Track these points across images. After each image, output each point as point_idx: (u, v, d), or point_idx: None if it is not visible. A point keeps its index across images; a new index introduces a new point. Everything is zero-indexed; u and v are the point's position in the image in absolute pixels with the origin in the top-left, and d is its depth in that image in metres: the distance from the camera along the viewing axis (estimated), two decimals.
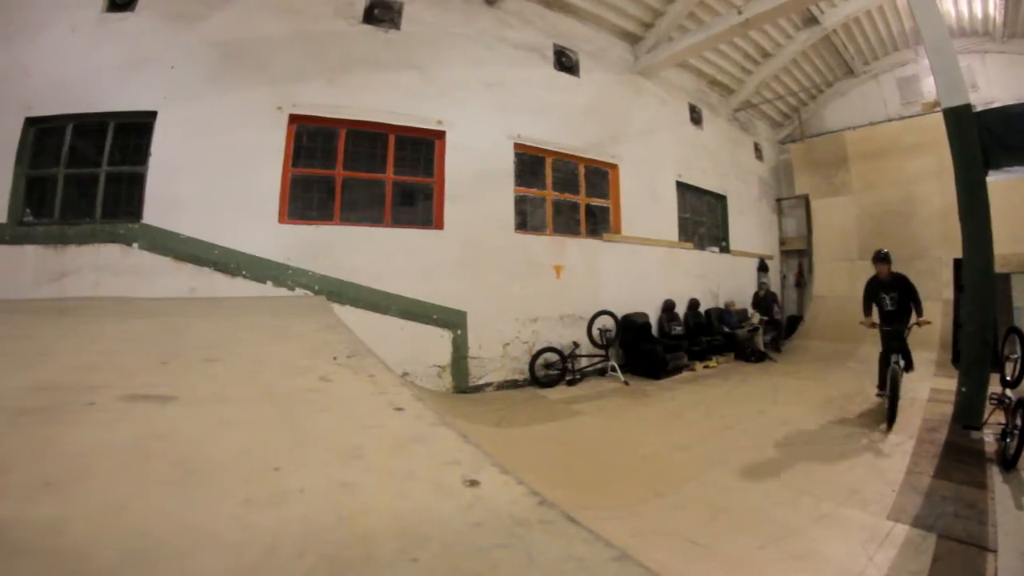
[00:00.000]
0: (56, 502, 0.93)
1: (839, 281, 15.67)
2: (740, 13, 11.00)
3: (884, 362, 8.35)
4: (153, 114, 8.49)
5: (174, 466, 1.08)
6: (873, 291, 8.41)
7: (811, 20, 14.23)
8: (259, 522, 0.90)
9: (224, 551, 0.82)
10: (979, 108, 8.15)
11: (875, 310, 8.47)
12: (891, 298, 8.21)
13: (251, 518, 0.91)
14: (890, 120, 16.09)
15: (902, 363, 7.96)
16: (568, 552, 0.84)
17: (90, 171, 8.62)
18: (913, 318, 8.00)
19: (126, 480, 1.02)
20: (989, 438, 6.63)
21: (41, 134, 8.66)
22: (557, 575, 0.77)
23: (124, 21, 8.76)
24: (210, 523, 0.88)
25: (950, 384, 8.66)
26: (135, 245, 8.20)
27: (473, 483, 1.04)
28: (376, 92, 9.40)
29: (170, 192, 8.30)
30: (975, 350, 7.41)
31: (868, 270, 11.83)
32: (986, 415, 6.98)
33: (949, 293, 13.56)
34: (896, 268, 8.09)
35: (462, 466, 1.12)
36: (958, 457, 6.13)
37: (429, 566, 0.79)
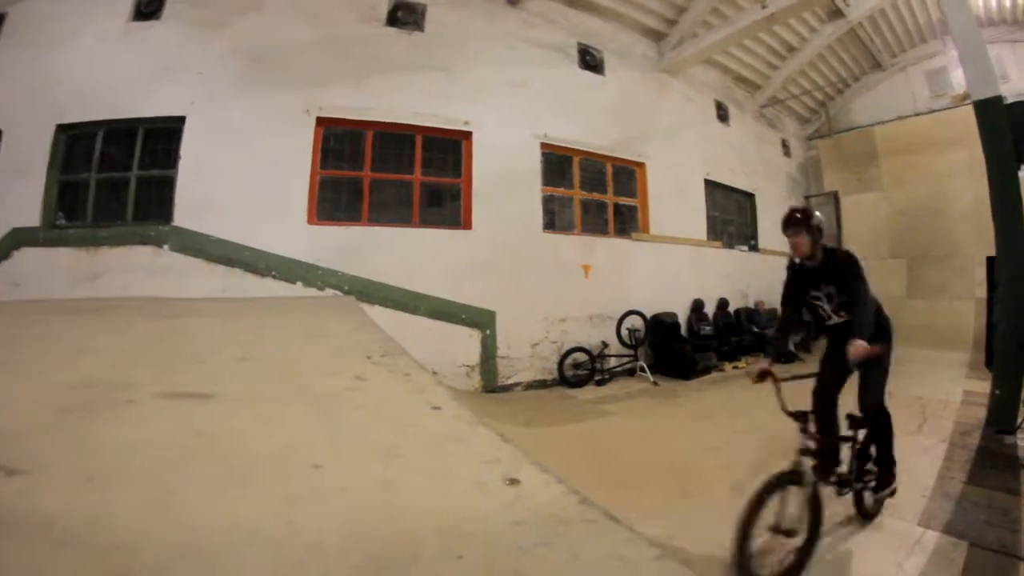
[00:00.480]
0: (100, 497, 0.93)
1: (870, 280, 15.36)
2: (764, 7, 10.88)
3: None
4: (181, 119, 8.62)
5: (215, 462, 1.08)
6: (797, 288, 4.67)
7: (836, 13, 13.96)
8: (302, 519, 0.90)
9: (269, 549, 0.82)
10: (1011, 100, 7.95)
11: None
12: (828, 296, 4.57)
13: (294, 515, 0.91)
14: (919, 114, 15.69)
15: (827, 463, 4.23)
16: (610, 551, 0.83)
17: (121, 175, 8.76)
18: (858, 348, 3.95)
19: (168, 476, 1.02)
20: (1023, 443, 6.49)
21: (72, 140, 8.83)
22: (600, 573, 0.76)
23: (150, 29, 8.90)
24: (254, 520, 0.88)
25: (983, 387, 8.46)
26: (166, 247, 8.33)
27: (513, 482, 1.04)
28: (402, 94, 9.44)
29: (200, 195, 8.42)
30: (1010, 351, 7.24)
31: (899, 269, 11.60)
32: (1020, 419, 6.82)
33: (983, 292, 13.10)
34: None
35: (501, 465, 1.11)
36: (991, 462, 5.96)
37: (474, 564, 0.79)
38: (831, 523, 4.27)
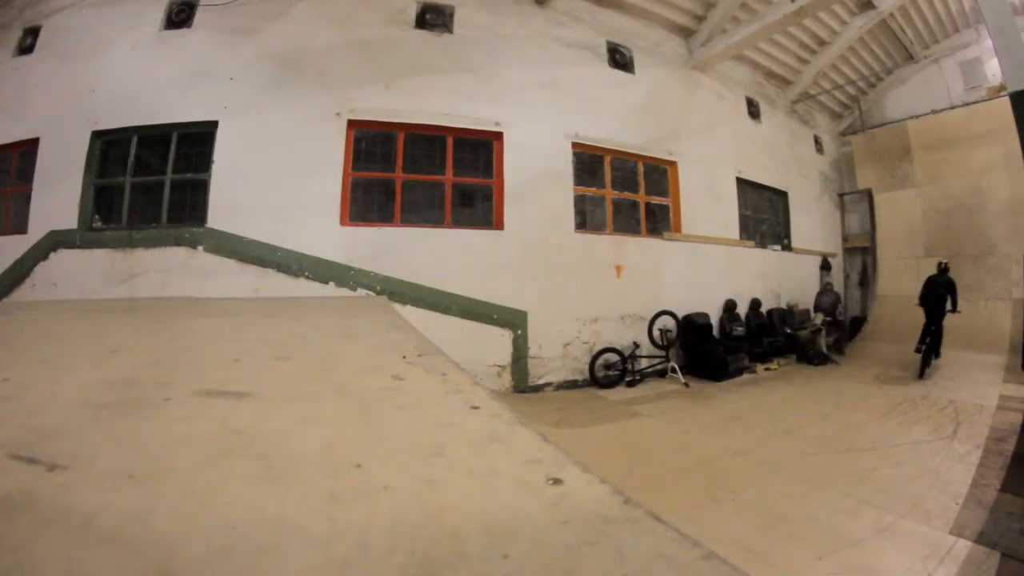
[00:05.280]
0: (140, 494, 0.92)
1: (904, 280, 15.05)
2: (793, 1, 10.78)
3: None
4: (214, 124, 8.77)
5: (256, 461, 1.07)
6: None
7: (866, 4, 13.74)
8: (346, 518, 0.88)
9: (313, 546, 0.80)
10: None
11: None
12: None
13: (338, 514, 0.89)
14: (954, 107, 15.27)
15: None
16: (657, 550, 0.79)
17: (155, 179, 8.92)
18: None
19: (208, 473, 1.01)
20: None
21: (107, 146, 9.03)
22: (648, 572, 0.73)
23: (182, 37, 9.10)
24: (297, 517, 0.87)
25: (1020, 391, 8.33)
26: (200, 248, 8.47)
27: (556, 481, 1.01)
28: (433, 95, 9.50)
29: (234, 197, 8.56)
30: None
31: (934, 269, 11.41)
32: None
33: (1021, 292, 12.88)
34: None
35: (544, 464, 1.08)
36: None
37: (520, 563, 0.76)
38: None
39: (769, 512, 4.83)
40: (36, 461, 1.01)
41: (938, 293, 10.92)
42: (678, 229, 12.08)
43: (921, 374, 10.32)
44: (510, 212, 9.75)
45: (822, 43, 14.81)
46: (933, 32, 15.76)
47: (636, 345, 10.70)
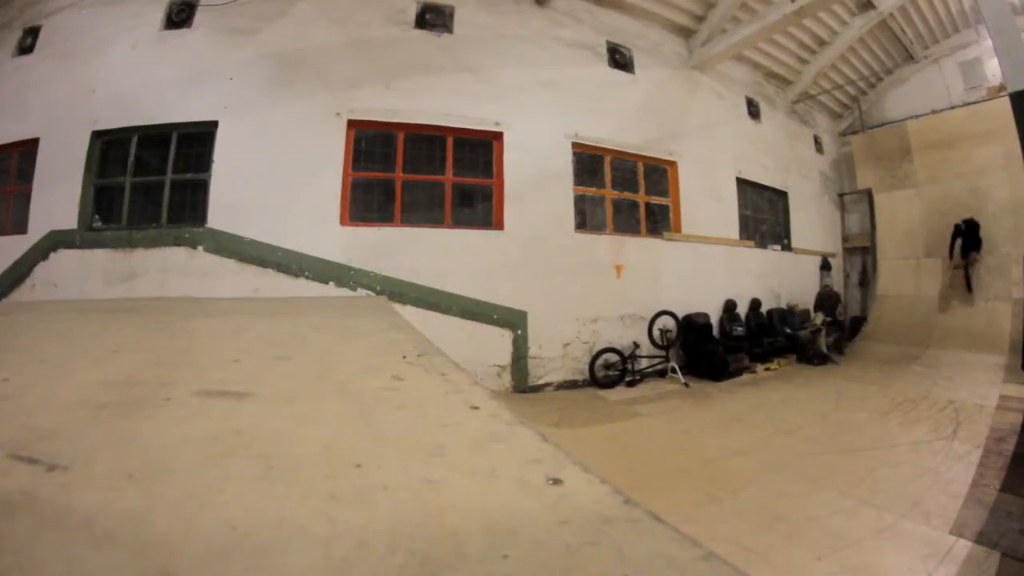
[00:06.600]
0: (140, 494, 0.92)
1: (904, 280, 15.08)
2: (793, 1, 10.76)
3: None
4: (214, 124, 8.77)
5: (256, 461, 1.07)
6: None
7: (866, 4, 13.74)
8: (347, 518, 0.88)
9: (314, 546, 0.80)
10: None
11: None
12: None
13: (338, 514, 0.89)
14: (954, 107, 15.20)
15: None
16: (657, 550, 0.79)
17: (156, 179, 8.92)
18: None
19: (209, 473, 1.01)
20: None
21: (107, 146, 9.04)
22: (648, 572, 0.73)
23: (182, 37, 9.10)
24: (297, 518, 0.87)
25: (1020, 391, 8.30)
26: (200, 248, 8.47)
27: (556, 481, 1.01)
28: (433, 95, 9.49)
29: (234, 197, 8.56)
30: None
31: (934, 269, 11.41)
32: None
33: (1021, 292, 12.73)
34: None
35: (544, 464, 1.08)
36: None
37: (520, 563, 0.76)
38: None
39: (769, 512, 4.82)
40: (36, 461, 1.01)
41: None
42: (678, 229, 12.07)
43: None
44: (510, 212, 9.75)
45: (822, 43, 14.80)
46: (933, 32, 15.73)
47: (636, 345, 10.69)
